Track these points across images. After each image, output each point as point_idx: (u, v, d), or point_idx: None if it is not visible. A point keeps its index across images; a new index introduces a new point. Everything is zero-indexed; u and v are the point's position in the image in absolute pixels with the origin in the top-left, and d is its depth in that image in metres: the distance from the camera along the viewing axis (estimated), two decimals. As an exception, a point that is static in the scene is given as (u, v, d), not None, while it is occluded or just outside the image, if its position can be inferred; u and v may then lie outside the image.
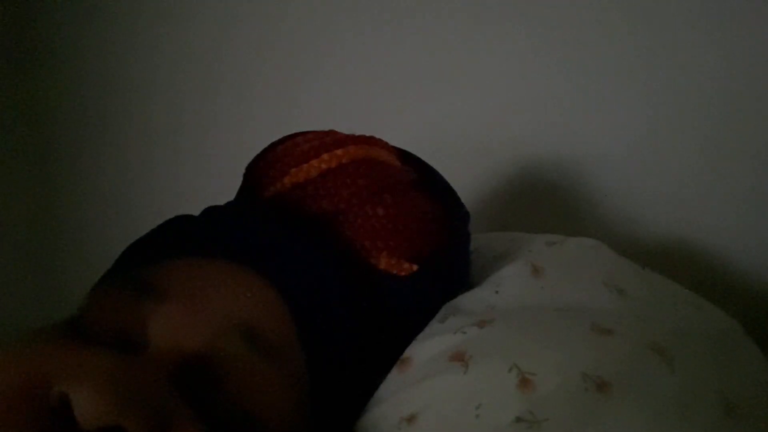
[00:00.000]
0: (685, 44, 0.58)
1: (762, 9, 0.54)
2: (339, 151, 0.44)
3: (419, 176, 0.47)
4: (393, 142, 0.49)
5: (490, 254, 0.50)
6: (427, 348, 0.39)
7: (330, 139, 0.45)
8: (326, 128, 0.49)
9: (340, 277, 0.39)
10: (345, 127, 0.49)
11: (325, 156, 0.43)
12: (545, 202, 0.69)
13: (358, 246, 0.42)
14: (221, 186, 0.49)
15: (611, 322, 0.36)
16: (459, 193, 0.49)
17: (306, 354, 0.37)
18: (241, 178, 0.48)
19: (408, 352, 0.40)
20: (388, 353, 0.41)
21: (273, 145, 0.47)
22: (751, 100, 0.55)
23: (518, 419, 0.31)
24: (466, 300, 0.43)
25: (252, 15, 0.86)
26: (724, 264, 0.57)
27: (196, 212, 0.44)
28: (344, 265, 0.40)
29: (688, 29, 0.58)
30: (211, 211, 0.43)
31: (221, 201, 0.45)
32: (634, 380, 0.32)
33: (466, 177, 0.71)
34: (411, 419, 0.34)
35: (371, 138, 0.47)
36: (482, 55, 0.70)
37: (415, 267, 0.42)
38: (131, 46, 0.95)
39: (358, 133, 0.48)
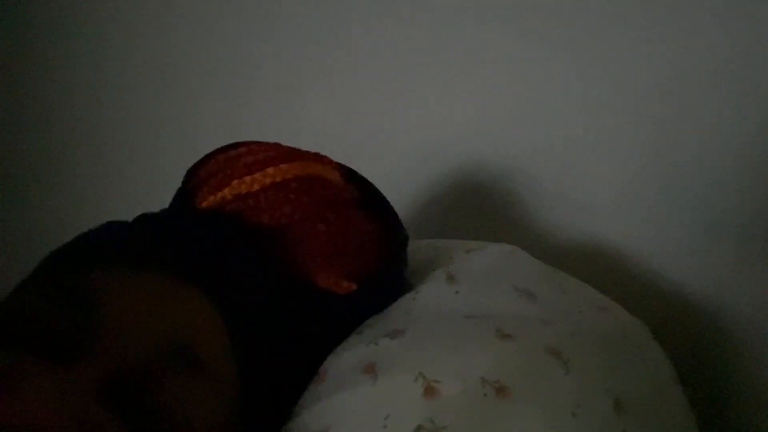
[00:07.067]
0: (621, 57, 0.59)
1: (701, 12, 0.55)
2: (284, 166, 0.43)
3: (362, 196, 0.47)
4: (343, 150, 0.50)
5: (416, 261, 0.50)
6: (341, 360, 0.39)
7: (275, 153, 0.45)
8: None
9: (278, 294, 0.39)
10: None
11: (270, 170, 0.43)
12: (485, 209, 0.71)
13: (297, 262, 0.42)
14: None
15: (514, 327, 0.37)
16: (402, 199, 0.49)
17: (239, 368, 0.37)
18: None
19: (324, 364, 0.40)
20: (320, 365, 0.41)
21: (214, 153, 0.47)
22: (682, 110, 0.57)
23: (419, 428, 0.32)
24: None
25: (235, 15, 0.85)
26: (641, 267, 0.58)
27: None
28: (283, 281, 0.40)
29: (624, 41, 0.59)
30: (146, 220, 0.42)
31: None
32: (530, 383, 0.33)
33: (410, 183, 0.72)
34: (324, 434, 0.35)
35: (317, 154, 0.47)
36: (427, 66, 0.71)
37: (353, 286, 0.42)
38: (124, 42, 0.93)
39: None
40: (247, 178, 0.43)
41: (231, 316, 0.37)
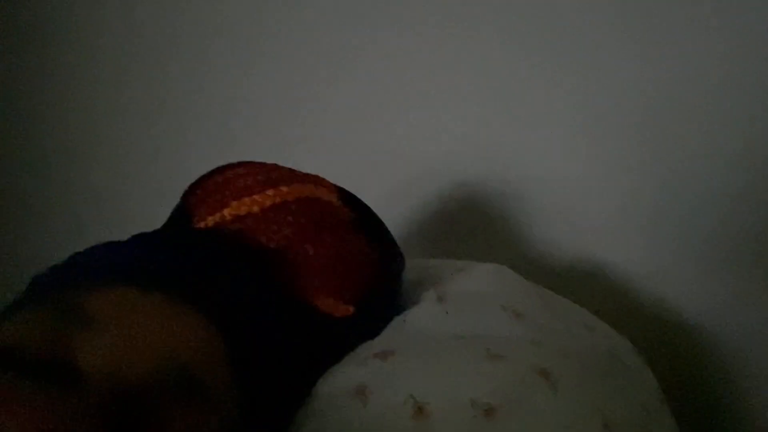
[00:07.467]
0: (616, 77, 0.60)
1: (681, 31, 0.56)
2: (284, 189, 0.43)
3: (360, 219, 0.47)
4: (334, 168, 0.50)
5: (406, 282, 0.51)
6: (332, 382, 0.39)
7: (274, 175, 0.45)
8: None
9: (277, 315, 0.39)
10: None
11: (269, 192, 0.43)
12: (477, 227, 0.71)
13: (295, 283, 0.42)
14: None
15: (504, 347, 0.38)
16: (397, 216, 0.49)
17: (237, 389, 0.36)
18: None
19: (316, 386, 0.40)
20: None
21: (212, 173, 0.47)
22: (675, 130, 0.57)
23: (408, 450, 0.32)
24: (377, 328, 0.44)
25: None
26: (631, 285, 0.59)
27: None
28: (282, 301, 0.40)
29: (617, 63, 0.60)
30: (143, 239, 0.42)
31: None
32: (519, 404, 0.34)
33: (402, 201, 0.72)
34: (313, 457, 0.35)
35: (315, 177, 0.47)
36: (421, 85, 0.72)
37: (350, 309, 0.42)
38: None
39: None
40: (246, 199, 0.43)
41: (230, 336, 0.37)
